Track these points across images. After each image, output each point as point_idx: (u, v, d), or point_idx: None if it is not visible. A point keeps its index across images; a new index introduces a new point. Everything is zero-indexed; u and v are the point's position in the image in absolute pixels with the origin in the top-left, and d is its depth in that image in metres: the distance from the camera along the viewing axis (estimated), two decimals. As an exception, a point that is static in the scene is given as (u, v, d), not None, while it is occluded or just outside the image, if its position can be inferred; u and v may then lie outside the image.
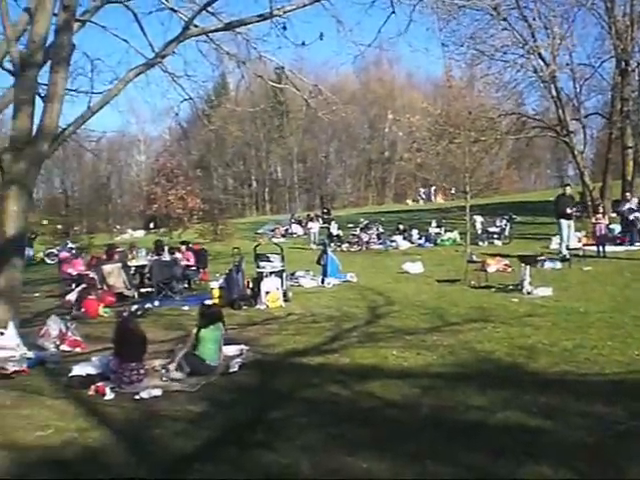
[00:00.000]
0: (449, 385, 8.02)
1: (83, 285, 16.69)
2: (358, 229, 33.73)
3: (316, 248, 29.46)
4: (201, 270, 20.31)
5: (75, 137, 20.50)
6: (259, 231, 41.28)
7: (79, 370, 8.95)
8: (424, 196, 63.37)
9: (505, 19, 30.81)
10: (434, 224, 32.90)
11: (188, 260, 19.52)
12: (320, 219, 40.60)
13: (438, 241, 30.68)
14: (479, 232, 29.41)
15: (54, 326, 11.47)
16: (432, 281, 18.07)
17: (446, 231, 31.73)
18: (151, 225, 51.65)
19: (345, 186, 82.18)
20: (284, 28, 16.97)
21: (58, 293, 18.41)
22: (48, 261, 31.06)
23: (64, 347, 11.14)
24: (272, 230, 41.15)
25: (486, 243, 28.25)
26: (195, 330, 9.38)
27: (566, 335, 10.33)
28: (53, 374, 9.55)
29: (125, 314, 10.52)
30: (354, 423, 6.72)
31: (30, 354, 10.45)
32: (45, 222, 37.77)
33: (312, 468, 5.67)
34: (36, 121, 12.70)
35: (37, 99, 13.10)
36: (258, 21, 16.86)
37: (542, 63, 31.24)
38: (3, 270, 11.91)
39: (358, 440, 6.26)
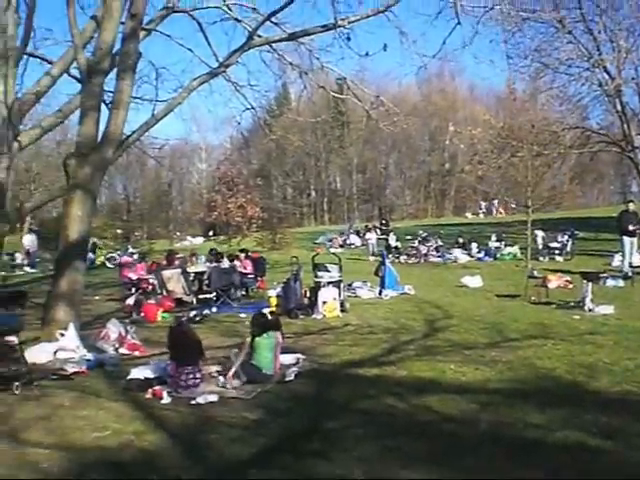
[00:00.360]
0: (507, 402, 7.90)
1: (140, 290, 17.02)
2: (417, 241, 33.47)
3: (374, 259, 29.34)
4: (259, 278, 20.38)
5: (139, 144, 20.89)
6: (317, 241, 41.31)
7: (137, 373, 9.07)
8: (484, 209, 62.64)
9: (570, 32, 30.33)
10: (494, 238, 32.48)
11: (246, 268, 19.61)
12: (378, 230, 40.45)
13: (498, 255, 30.24)
14: (540, 247, 28.96)
15: (114, 329, 11.64)
16: (491, 296, 17.81)
17: (506, 245, 31.29)
18: (210, 232, 52.11)
19: (404, 198, 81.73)
20: (348, 39, 17.08)
21: (118, 297, 18.67)
22: (109, 265, 31.54)
23: (123, 350, 11.30)
24: (330, 240, 41.08)
25: (547, 258, 27.75)
26: (250, 338, 9.39)
27: (628, 354, 10.08)
28: (111, 376, 9.68)
29: (183, 319, 10.61)
30: (411, 436, 6.66)
31: (89, 356, 10.64)
32: (108, 234, 38.29)
33: (367, 479, 5.63)
34: (101, 128, 12.95)
35: (102, 106, 13.38)
36: (322, 31, 16.99)
37: (607, 77, 30.67)
38: (65, 273, 12.16)
39: (414, 453, 6.20)
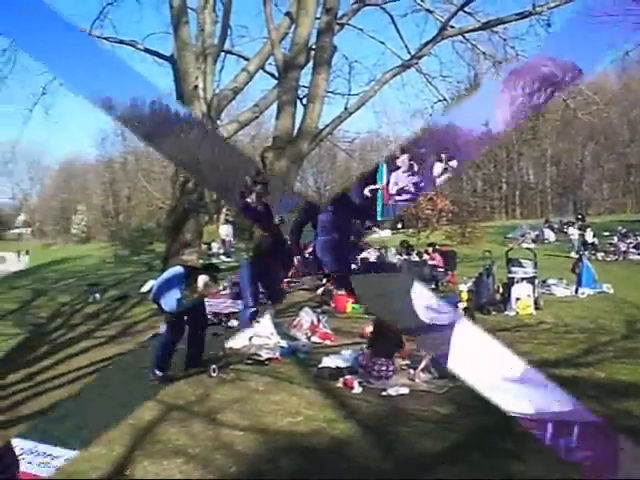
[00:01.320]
0: None
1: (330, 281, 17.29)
2: (615, 237, 31.90)
3: (570, 256, 28.25)
4: (449, 272, 20.10)
5: (330, 137, 21.23)
6: (509, 235, 40.33)
7: (329, 362, 9.21)
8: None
9: None
10: (701, 235, 30.48)
11: (435, 261, 19.43)
12: (575, 225, 38.89)
13: None
14: None
15: (306, 318, 11.90)
16: (699, 297, 16.61)
17: None
18: (399, 225, 52.13)
19: (601, 191, 78.09)
20: (548, 25, 16.49)
21: (308, 286, 19.04)
22: (299, 255, 32.22)
23: (315, 339, 11.52)
24: (522, 235, 39.99)
25: None
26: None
27: None
28: (303, 364, 9.90)
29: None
30: (612, 442, 6.31)
31: (283, 343, 10.92)
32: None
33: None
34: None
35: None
36: (517, 19, 16.56)
37: None
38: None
39: (615, 460, 5.87)
